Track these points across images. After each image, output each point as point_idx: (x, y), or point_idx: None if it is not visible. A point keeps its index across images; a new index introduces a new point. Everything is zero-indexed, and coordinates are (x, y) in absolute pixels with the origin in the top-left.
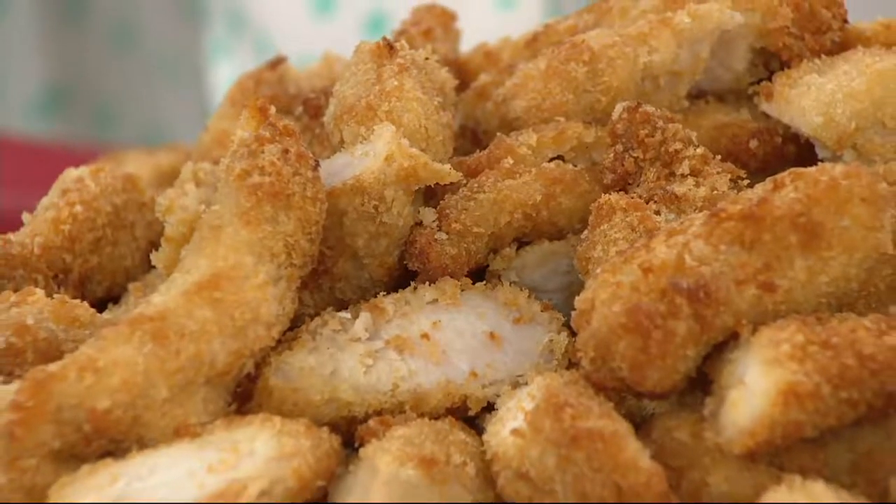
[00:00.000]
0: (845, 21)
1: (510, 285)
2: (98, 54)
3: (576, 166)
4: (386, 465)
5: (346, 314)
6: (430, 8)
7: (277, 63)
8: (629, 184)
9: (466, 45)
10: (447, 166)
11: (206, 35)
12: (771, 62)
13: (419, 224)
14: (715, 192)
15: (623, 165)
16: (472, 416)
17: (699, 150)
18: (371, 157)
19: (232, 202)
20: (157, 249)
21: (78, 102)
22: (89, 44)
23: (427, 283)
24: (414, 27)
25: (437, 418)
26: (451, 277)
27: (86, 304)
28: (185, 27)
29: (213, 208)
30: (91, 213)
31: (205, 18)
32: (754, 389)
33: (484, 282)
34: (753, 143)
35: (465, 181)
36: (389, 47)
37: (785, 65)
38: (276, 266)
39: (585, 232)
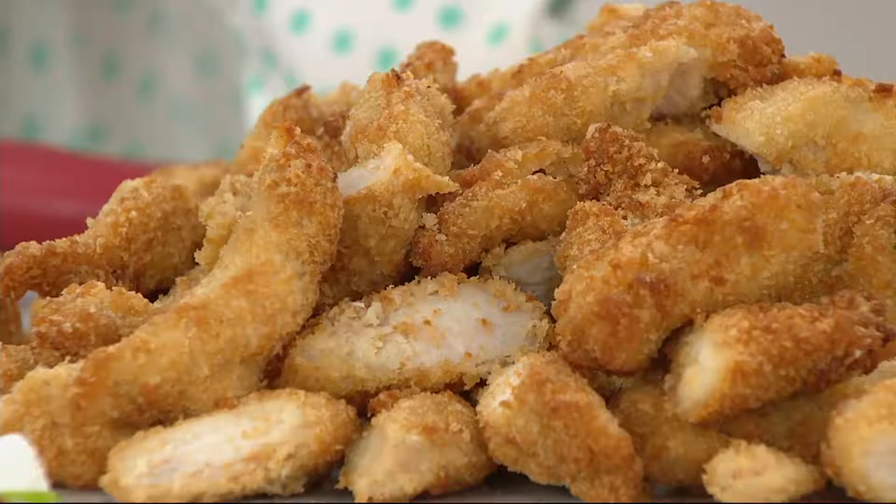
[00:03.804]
0: (783, 55)
1: (500, 279)
2: (127, 100)
3: (555, 178)
4: (394, 431)
5: (360, 304)
6: (432, 44)
7: (302, 91)
8: (601, 193)
9: (462, 76)
10: (446, 178)
11: (245, 70)
12: (720, 90)
13: (422, 227)
14: (673, 200)
15: (595, 178)
16: (467, 390)
17: (660, 165)
18: (381, 170)
19: (263, 209)
20: (200, 249)
21: (108, 144)
22: (120, 91)
23: (429, 277)
24: (418, 60)
25: (437, 392)
26: (450, 272)
27: (140, 295)
28: (200, 79)
29: (248, 214)
30: (145, 218)
31: (241, 60)
32: (707, 367)
33: (477, 276)
34: (706, 159)
35: (461, 191)
36: (397, 77)
37: (732, 92)
38: (300, 263)
39: (564, 234)
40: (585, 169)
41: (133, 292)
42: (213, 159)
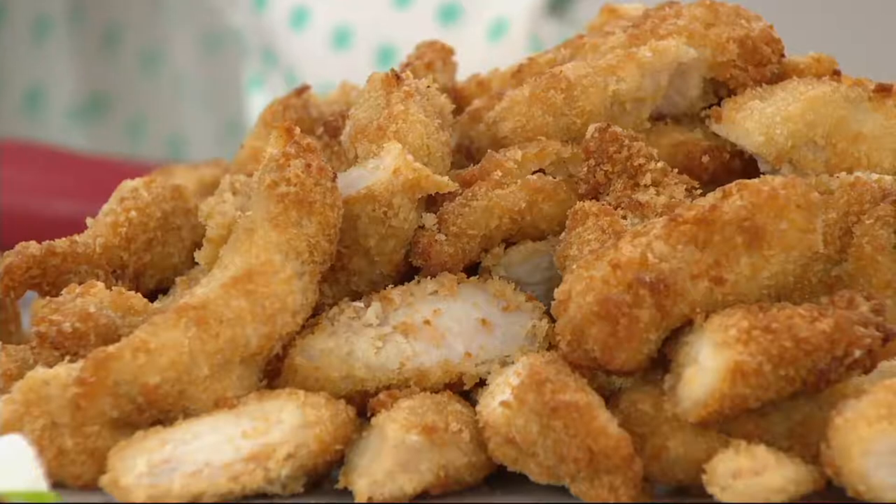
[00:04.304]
0: (782, 55)
1: (499, 279)
2: (129, 72)
3: (555, 178)
4: (394, 431)
5: (359, 304)
6: (431, 44)
7: (302, 91)
8: (600, 193)
9: (462, 75)
10: (446, 178)
11: (244, 69)
12: (720, 90)
13: (422, 227)
14: (673, 200)
15: (595, 177)
16: (466, 390)
17: (659, 165)
18: (381, 170)
19: (263, 208)
20: (200, 249)
21: (110, 116)
22: (120, 66)
23: (429, 277)
24: (417, 60)
25: (437, 392)
26: (449, 272)
27: (139, 294)
28: (204, 51)
29: (247, 214)
30: (144, 218)
31: (242, 55)
32: (706, 367)
33: (477, 276)
34: (705, 159)
35: (460, 191)
36: (397, 77)
37: (732, 92)
38: (300, 263)
39: (563, 234)
40: (585, 169)
41: (133, 292)
42: (212, 159)
